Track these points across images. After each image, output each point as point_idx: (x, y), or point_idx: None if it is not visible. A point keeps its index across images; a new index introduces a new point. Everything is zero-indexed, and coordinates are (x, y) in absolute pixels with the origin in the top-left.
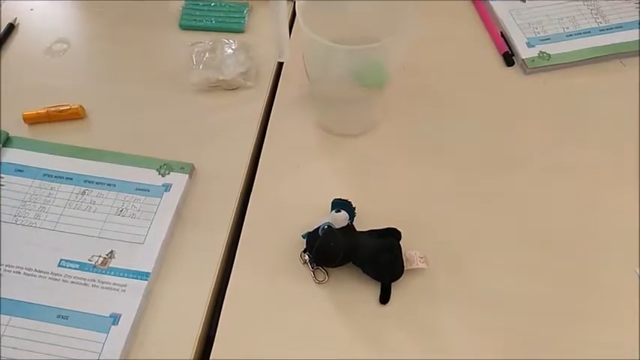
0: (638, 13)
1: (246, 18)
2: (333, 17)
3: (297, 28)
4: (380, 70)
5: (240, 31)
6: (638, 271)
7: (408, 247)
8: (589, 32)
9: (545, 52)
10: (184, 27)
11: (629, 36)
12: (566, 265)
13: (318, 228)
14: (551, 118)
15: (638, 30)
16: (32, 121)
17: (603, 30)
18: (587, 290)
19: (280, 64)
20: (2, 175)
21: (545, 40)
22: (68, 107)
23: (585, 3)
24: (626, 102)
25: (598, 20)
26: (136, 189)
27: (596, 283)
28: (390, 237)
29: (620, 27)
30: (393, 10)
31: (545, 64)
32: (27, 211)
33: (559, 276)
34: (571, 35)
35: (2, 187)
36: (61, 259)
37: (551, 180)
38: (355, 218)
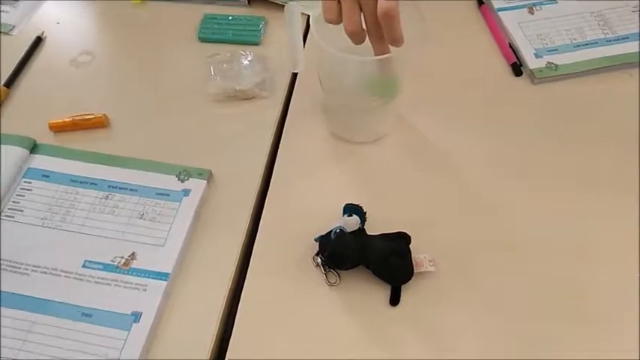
0: None
1: (262, 31)
2: None
3: (311, 39)
4: (391, 82)
5: (257, 44)
6: (638, 273)
7: (418, 250)
8: (596, 43)
9: (552, 63)
10: (203, 39)
11: (636, 47)
12: (571, 269)
13: (331, 232)
14: (559, 127)
15: None
16: (58, 129)
17: (610, 41)
18: (590, 292)
19: (295, 75)
20: (30, 181)
21: (553, 50)
22: (93, 116)
23: (592, 14)
24: (633, 112)
25: (605, 31)
26: (157, 194)
27: (597, 286)
28: (400, 241)
29: (626, 38)
30: (404, 22)
31: (552, 75)
32: (53, 214)
33: (564, 279)
34: (578, 46)
35: (30, 192)
36: (86, 260)
37: (558, 188)
38: (366, 222)
